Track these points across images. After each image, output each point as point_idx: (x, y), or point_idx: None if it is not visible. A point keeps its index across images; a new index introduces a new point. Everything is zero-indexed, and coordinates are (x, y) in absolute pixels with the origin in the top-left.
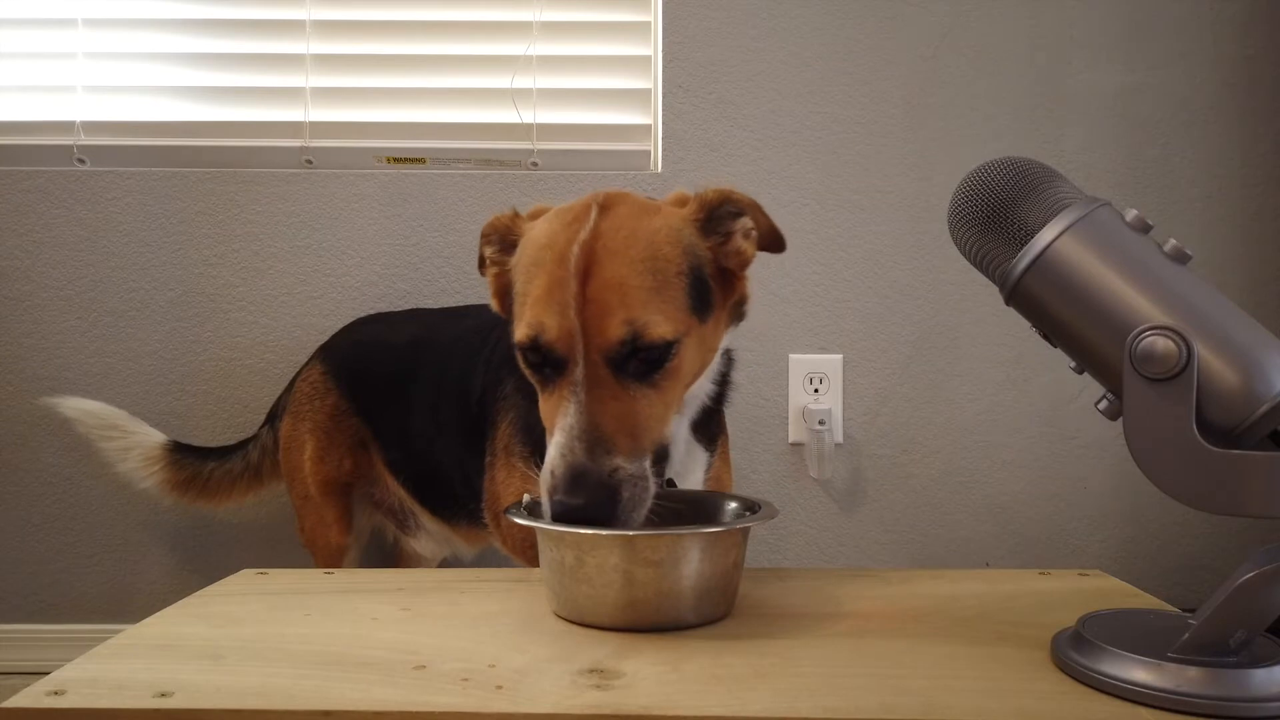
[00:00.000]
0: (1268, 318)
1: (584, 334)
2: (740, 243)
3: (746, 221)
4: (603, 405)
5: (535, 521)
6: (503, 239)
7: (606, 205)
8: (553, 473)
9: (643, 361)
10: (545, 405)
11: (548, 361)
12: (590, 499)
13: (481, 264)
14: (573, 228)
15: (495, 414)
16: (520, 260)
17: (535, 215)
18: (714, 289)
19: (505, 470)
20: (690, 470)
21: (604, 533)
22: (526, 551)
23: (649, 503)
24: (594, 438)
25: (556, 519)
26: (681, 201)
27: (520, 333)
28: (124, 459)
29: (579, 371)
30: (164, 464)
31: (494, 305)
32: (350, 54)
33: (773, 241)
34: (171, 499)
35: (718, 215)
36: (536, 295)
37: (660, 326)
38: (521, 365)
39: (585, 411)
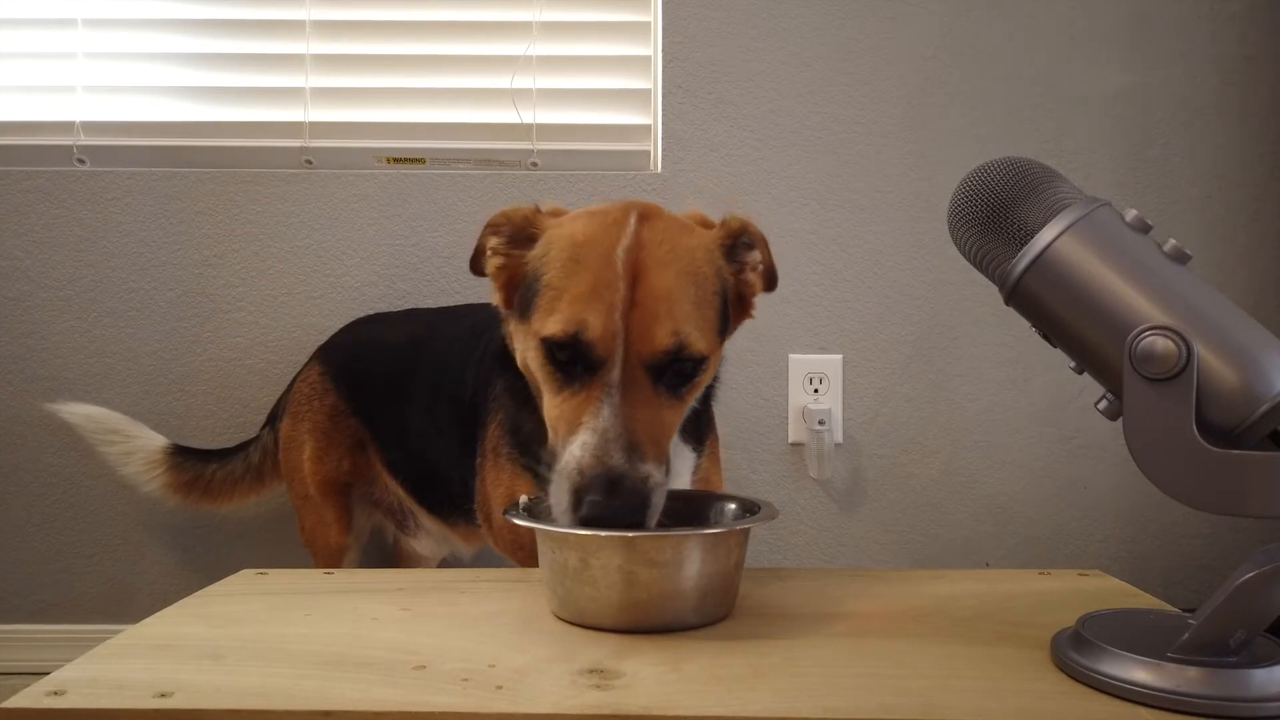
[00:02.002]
0: (1268, 318)
1: (627, 337)
2: (750, 275)
3: (757, 255)
4: (636, 411)
5: (534, 523)
6: (518, 231)
7: (645, 215)
8: (582, 472)
9: (677, 374)
10: (563, 403)
11: (580, 359)
12: (626, 503)
13: (478, 256)
14: (614, 230)
15: (485, 414)
16: (550, 255)
17: (554, 214)
18: (731, 313)
19: (494, 471)
20: (678, 472)
21: (607, 534)
22: (518, 552)
23: (661, 506)
24: (629, 443)
25: (589, 520)
26: (703, 223)
27: (554, 327)
28: (126, 463)
29: (615, 374)
30: (166, 467)
31: (497, 297)
32: (350, 54)
33: (770, 280)
34: (174, 501)
35: (738, 244)
36: (579, 292)
37: (700, 342)
38: (539, 359)
39: (620, 415)
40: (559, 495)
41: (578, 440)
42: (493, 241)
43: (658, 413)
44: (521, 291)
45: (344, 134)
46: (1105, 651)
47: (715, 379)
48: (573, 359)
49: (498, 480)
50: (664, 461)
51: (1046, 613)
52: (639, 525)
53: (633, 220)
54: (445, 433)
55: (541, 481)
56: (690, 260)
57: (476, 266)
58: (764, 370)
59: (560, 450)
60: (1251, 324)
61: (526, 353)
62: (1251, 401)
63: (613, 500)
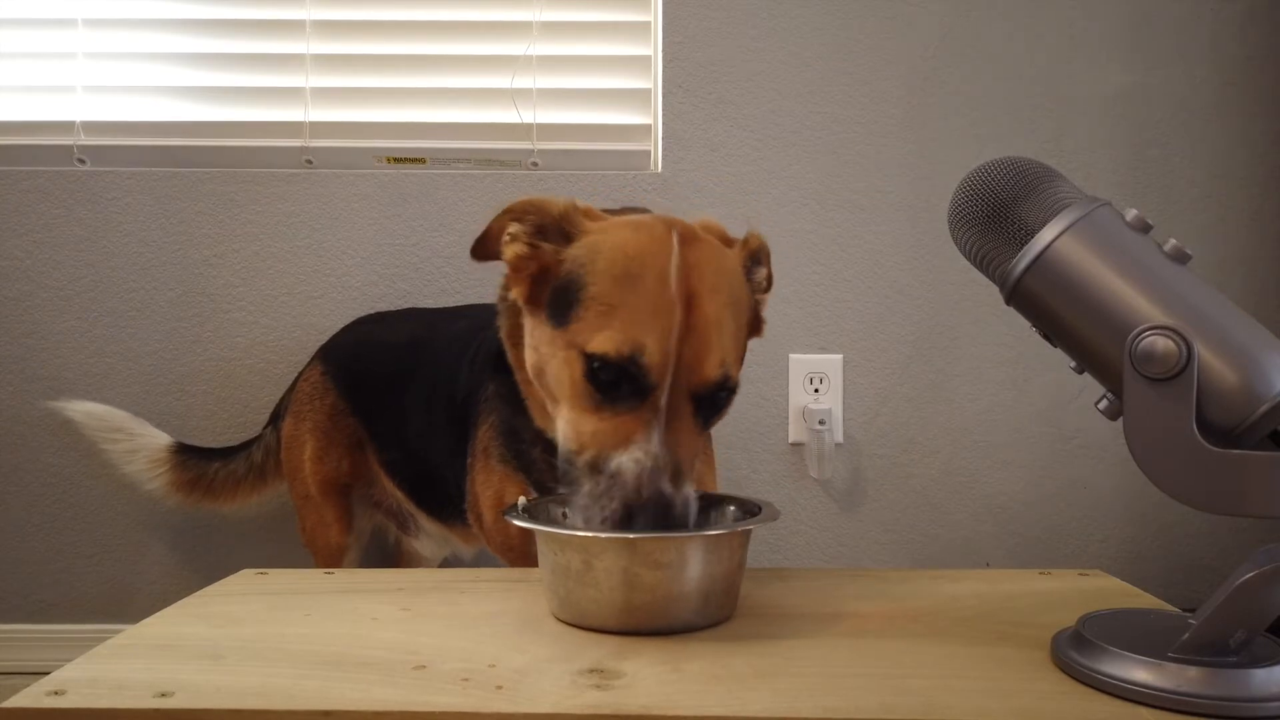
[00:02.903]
0: (1268, 318)
1: (677, 364)
2: (759, 295)
3: (764, 270)
4: (680, 438)
5: (531, 523)
6: (550, 224)
7: (686, 237)
8: (639, 490)
9: (713, 403)
10: (601, 423)
11: (629, 382)
12: (670, 527)
13: (487, 240)
14: (661, 248)
15: (477, 416)
16: (598, 264)
17: (589, 215)
18: (747, 334)
19: (485, 473)
20: None
21: (606, 535)
22: (508, 553)
23: None
24: (676, 468)
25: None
26: (719, 234)
27: (608, 345)
28: (129, 461)
29: (664, 400)
30: (169, 466)
31: (519, 290)
32: (350, 54)
33: (766, 285)
34: (177, 500)
35: (754, 263)
36: (637, 313)
37: (737, 372)
38: (577, 372)
39: (667, 443)
40: (604, 500)
41: (629, 455)
42: (513, 228)
43: (695, 439)
44: (555, 292)
45: (344, 134)
46: (1105, 651)
47: None
48: (617, 380)
49: (487, 482)
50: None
51: (1046, 613)
52: None
53: (675, 240)
54: (440, 433)
55: (536, 487)
56: (732, 288)
57: (482, 250)
58: (764, 370)
59: (600, 460)
60: (1251, 324)
61: (551, 359)
62: (1252, 401)
63: (660, 524)
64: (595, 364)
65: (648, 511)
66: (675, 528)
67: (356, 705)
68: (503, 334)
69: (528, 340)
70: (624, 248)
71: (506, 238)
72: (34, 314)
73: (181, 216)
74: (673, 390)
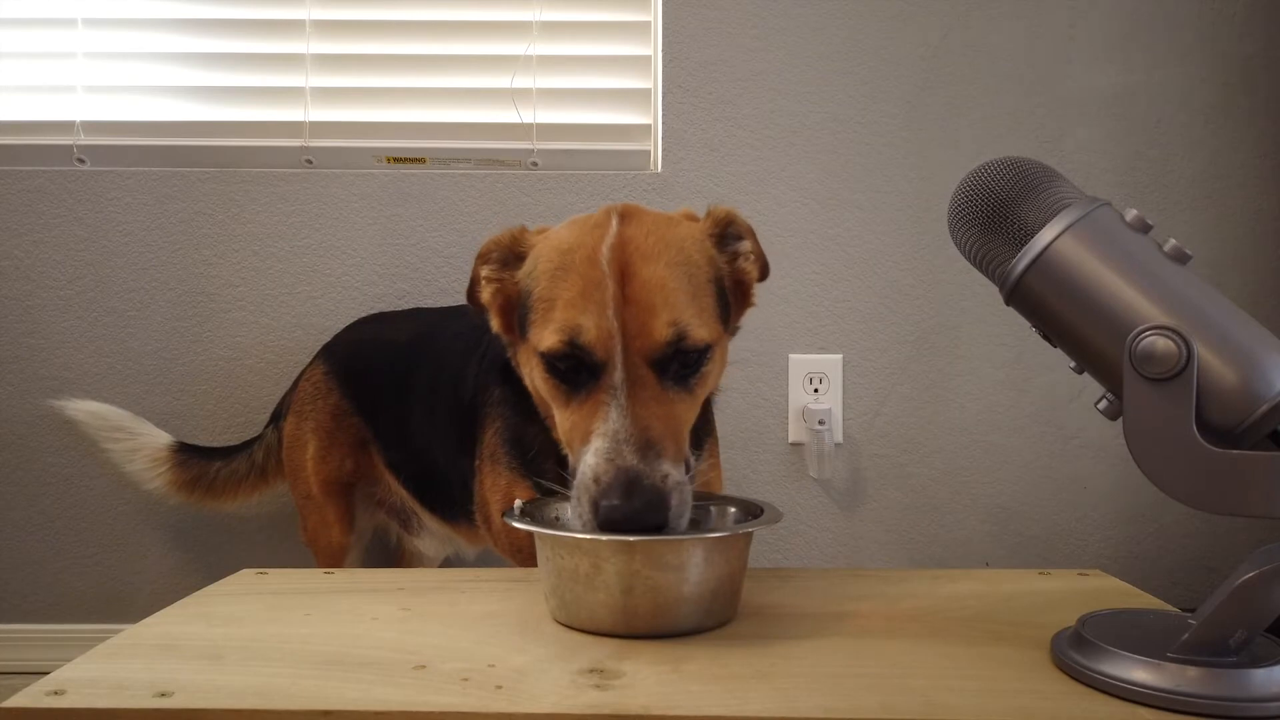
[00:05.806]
0: (1268, 318)
1: (624, 335)
2: (744, 264)
3: (747, 244)
4: (647, 408)
5: (537, 527)
6: (507, 253)
7: (626, 214)
8: (598, 479)
9: (682, 365)
10: (572, 414)
11: (582, 366)
12: (645, 503)
13: (474, 286)
14: (597, 233)
15: (484, 419)
16: (538, 268)
17: (540, 232)
18: (730, 302)
19: (493, 476)
20: None
21: (609, 539)
22: (516, 554)
23: (690, 507)
24: (643, 441)
25: (607, 526)
26: (690, 217)
27: (550, 339)
28: (130, 460)
29: (618, 375)
30: (170, 465)
31: (495, 324)
32: (350, 54)
33: (762, 270)
34: (178, 499)
35: (727, 234)
36: (568, 297)
37: (700, 330)
38: (542, 376)
39: (630, 415)
40: (580, 508)
41: (590, 448)
42: (485, 270)
43: (669, 408)
44: (517, 312)
45: (344, 134)
46: (1105, 651)
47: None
48: (574, 367)
49: (495, 485)
50: (683, 459)
51: (1046, 613)
52: (660, 526)
53: (614, 221)
54: (444, 433)
55: (545, 493)
56: (679, 250)
57: (474, 298)
58: (764, 370)
59: (577, 463)
60: (1251, 324)
61: (533, 374)
62: (1251, 401)
63: (630, 502)
64: (549, 359)
65: (611, 492)
66: (648, 503)
67: (356, 705)
68: (512, 360)
69: (521, 367)
70: (559, 245)
71: (482, 283)
72: (34, 314)
73: (181, 216)
74: (630, 362)
